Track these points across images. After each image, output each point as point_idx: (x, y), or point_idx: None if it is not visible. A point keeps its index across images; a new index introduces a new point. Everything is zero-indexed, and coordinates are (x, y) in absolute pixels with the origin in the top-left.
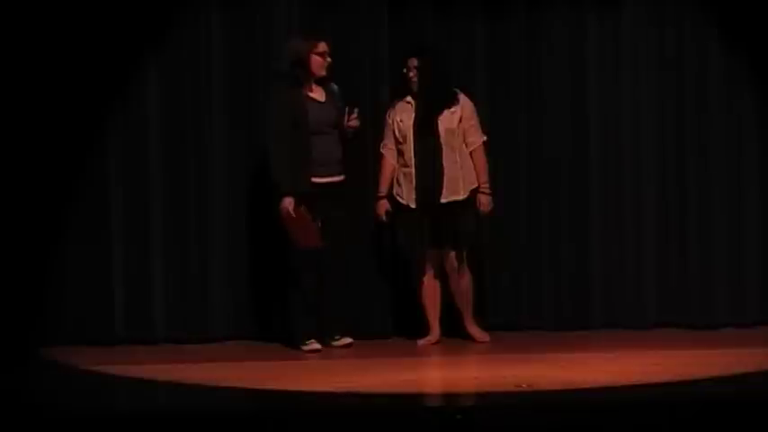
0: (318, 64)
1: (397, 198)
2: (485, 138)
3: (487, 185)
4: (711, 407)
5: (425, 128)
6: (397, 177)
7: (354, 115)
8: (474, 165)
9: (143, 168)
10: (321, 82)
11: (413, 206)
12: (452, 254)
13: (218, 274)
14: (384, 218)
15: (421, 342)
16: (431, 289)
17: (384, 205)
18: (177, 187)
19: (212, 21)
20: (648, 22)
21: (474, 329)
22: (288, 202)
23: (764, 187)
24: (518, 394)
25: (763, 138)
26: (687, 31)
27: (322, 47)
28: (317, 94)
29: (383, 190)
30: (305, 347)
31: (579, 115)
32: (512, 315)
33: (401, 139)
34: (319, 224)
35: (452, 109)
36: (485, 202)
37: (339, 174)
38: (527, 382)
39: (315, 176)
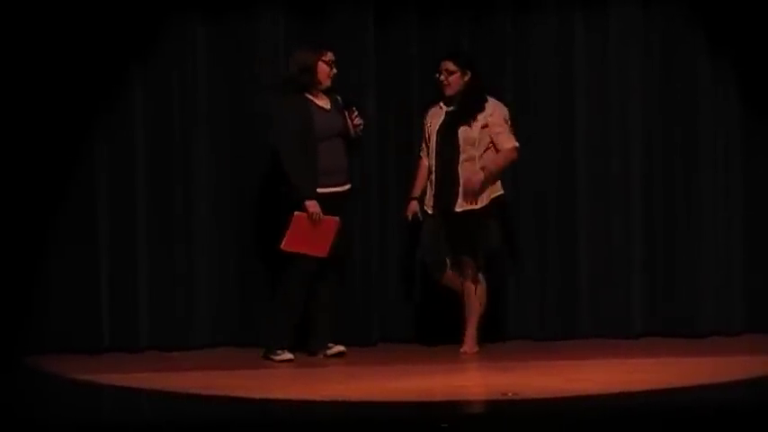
0: (325, 72)
1: (423, 203)
2: (515, 143)
3: (487, 171)
4: (698, 415)
5: (447, 135)
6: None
7: (356, 113)
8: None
9: (129, 178)
10: (327, 92)
11: (429, 212)
12: (467, 261)
13: (204, 281)
14: (411, 220)
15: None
16: (452, 277)
17: (413, 207)
18: (163, 196)
19: (197, 34)
20: (636, 24)
21: (469, 338)
22: (315, 206)
23: (749, 197)
24: (505, 403)
25: (748, 147)
26: (674, 35)
27: (329, 56)
28: (323, 102)
29: (415, 192)
30: (276, 357)
31: (566, 123)
32: (498, 324)
33: (428, 142)
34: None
35: (477, 118)
36: (477, 177)
37: (344, 183)
38: (513, 390)
39: (319, 186)
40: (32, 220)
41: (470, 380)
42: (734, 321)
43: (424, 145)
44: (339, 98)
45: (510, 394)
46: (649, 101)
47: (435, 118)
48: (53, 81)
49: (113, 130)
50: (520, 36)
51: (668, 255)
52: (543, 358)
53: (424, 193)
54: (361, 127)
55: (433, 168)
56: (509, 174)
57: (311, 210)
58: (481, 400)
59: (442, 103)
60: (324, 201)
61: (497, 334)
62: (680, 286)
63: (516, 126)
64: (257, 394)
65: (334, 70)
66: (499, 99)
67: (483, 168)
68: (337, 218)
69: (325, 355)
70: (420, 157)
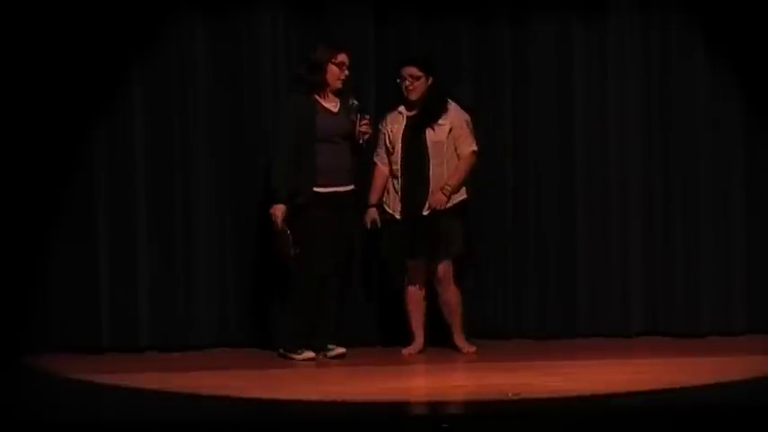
0: (334, 74)
1: (385, 206)
2: (475, 148)
3: (450, 187)
4: (697, 414)
5: (414, 139)
6: (388, 186)
7: (366, 121)
8: (455, 168)
9: (128, 178)
10: (338, 94)
11: (398, 216)
12: (438, 265)
13: (204, 281)
14: (370, 227)
15: (405, 351)
16: (415, 297)
17: (372, 214)
18: (162, 196)
19: (197, 34)
20: (634, 28)
21: (460, 342)
22: (278, 210)
23: (750, 196)
24: (504, 402)
25: (748, 148)
26: (673, 37)
27: (341, 57)
28: (331, 104)
29: (373, 199)
30: (298, 356)
31: (565, 122)
32: (497, 323)
33: (390, 149)
34: (294, 250)
35: (440, 121)
36: (438, 198)
37: (345, 184)
38: (513, 390)
39: (318, 186)
40: (32, 219)
41: (470, 380)
42: (734, 321)
43: (379, 151)
44: (355, 102)
45: (511, 394)
46: (649, 103)
47: (396, 124)
48: (53, 81)
49: (113, 131)
50: (519, 35)
51: (668, 254)
52: (543, 358)
53: (380, 199)
54: (367, 136)
55: (399, 173)
56: (509, 176)
57: (271, 211)
58: (481, 400)
59: (401, 108)
60: (324, 200)
61: (497, 333)
62: (680, 286)
63: (515, 126)
64: (257, 394)
65: (346, 72)
66: (497, 98)
67: (443, 188)
68: (285, 229)
69: (326, 357)
70: (375, 164)
